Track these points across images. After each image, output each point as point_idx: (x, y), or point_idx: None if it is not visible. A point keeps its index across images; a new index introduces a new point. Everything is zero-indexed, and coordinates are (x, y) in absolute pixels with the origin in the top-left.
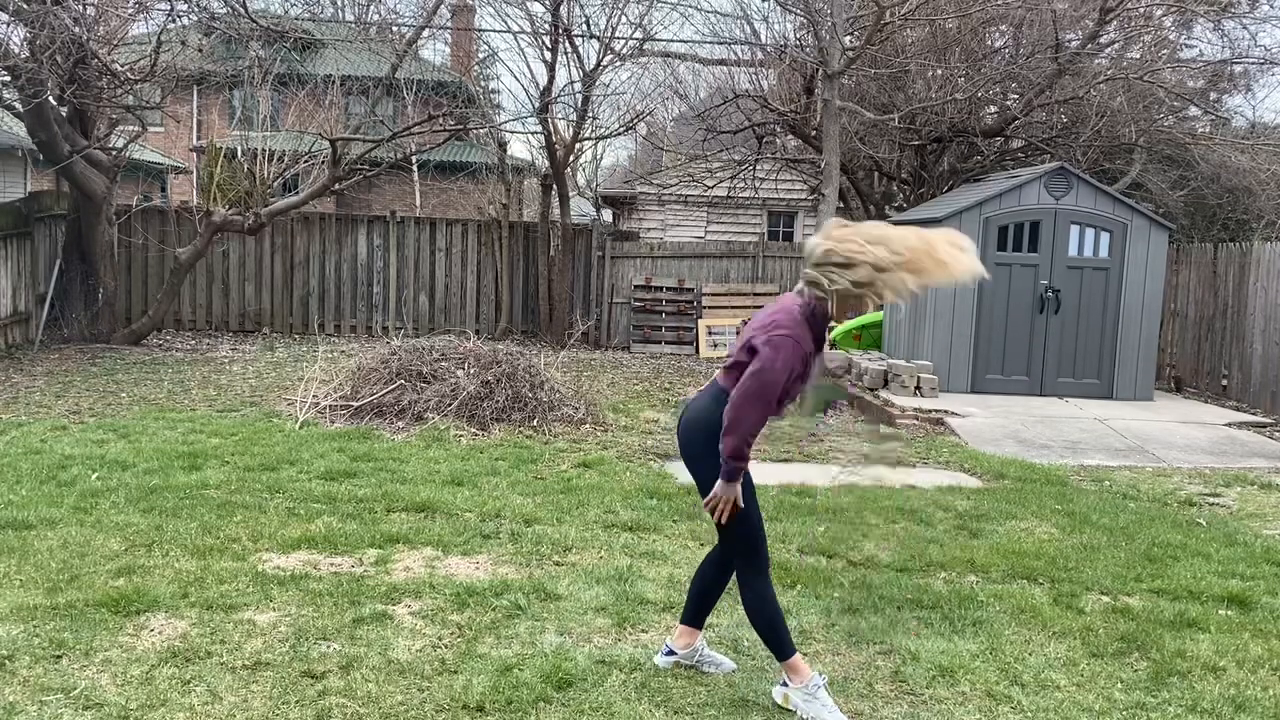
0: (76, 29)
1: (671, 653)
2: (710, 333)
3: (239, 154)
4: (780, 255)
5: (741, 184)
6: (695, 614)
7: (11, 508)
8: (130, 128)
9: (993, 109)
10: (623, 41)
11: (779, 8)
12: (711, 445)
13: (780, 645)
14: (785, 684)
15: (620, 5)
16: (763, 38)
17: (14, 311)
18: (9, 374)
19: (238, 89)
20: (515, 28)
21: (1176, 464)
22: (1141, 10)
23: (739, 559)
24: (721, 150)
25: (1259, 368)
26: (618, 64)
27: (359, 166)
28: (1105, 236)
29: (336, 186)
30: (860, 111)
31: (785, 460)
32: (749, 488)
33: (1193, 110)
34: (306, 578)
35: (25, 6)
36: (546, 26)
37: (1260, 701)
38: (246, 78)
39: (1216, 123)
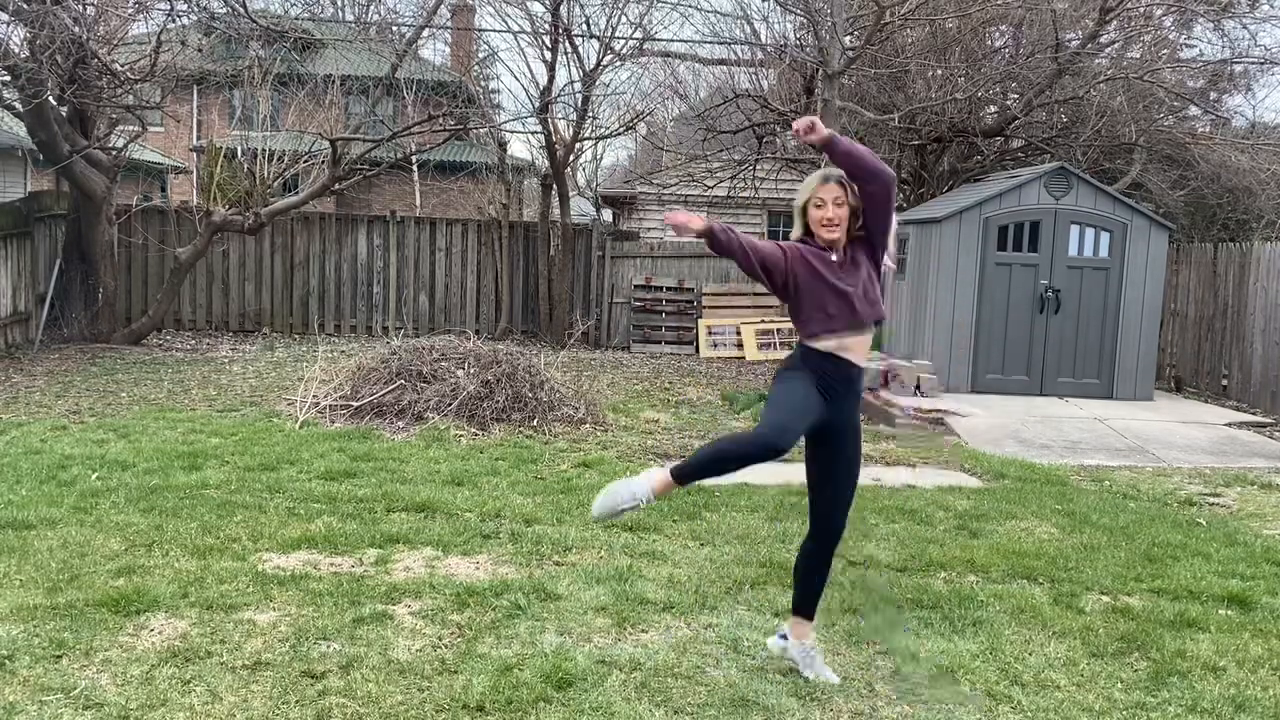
0: (76, 29)
1: (785, 636)
2: (710, 333)
3: (239, 154)
4: None
5: (741, 184)
6: (801, 602)
7: (11, 508)
8: (130, 128)
9: (993, 109)
10: (623, 41)
11: (779, 8)
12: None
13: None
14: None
15: (620, 5)
16: (763, 38)
17: (14, 311)
18: (9, 374)
19: (238, 89)
20: (515, 28)
21: (1176, 464)
22: (1141, 10)
23: (759, 425)
24: (721, 150)
25: (1259, 368)
26: (618, 64)
27: (359, 166)
28: (1105, 236)
29: (336, 186)
30: (860, 111)
31: (786, 460)
32: (801, 388)
33: (1193, 110)
34: (306, 578)
35: (25, 6)
36: (546, 26)
37: (1260, 701)
38: (246, 78)
39: (1216, 123)
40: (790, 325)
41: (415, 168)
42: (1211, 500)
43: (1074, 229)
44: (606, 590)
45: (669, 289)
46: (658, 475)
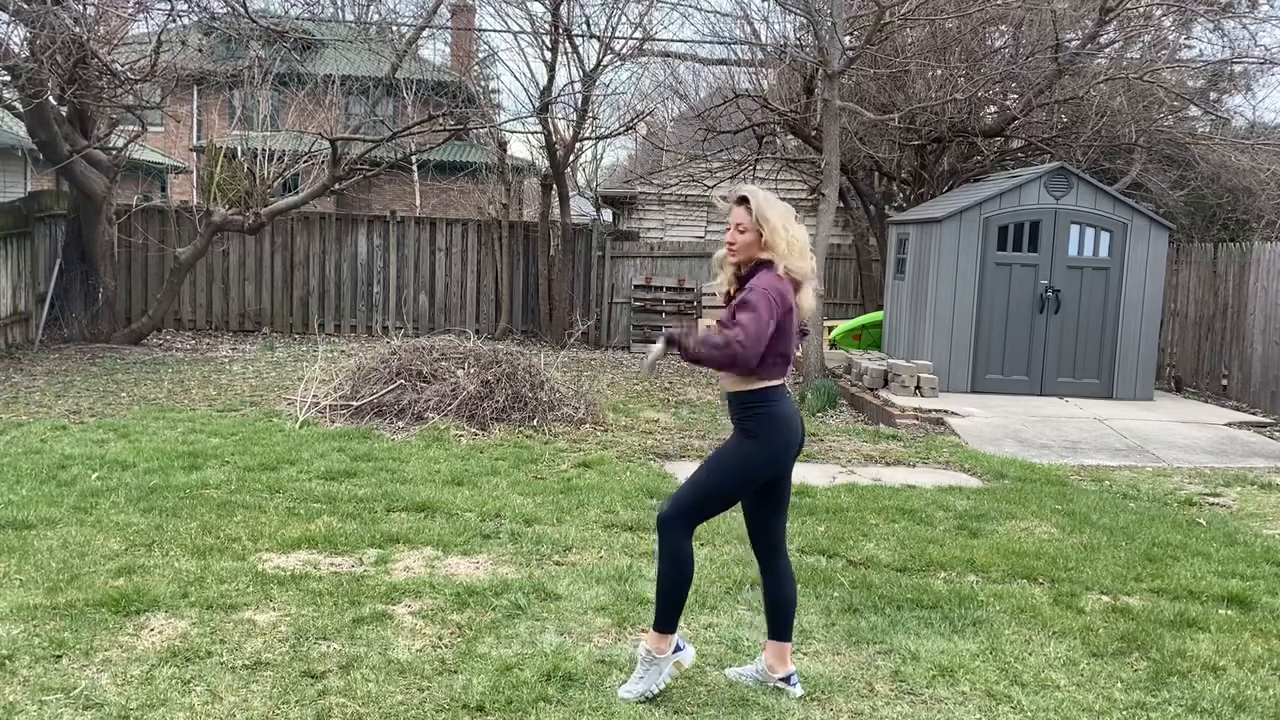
0: (77, 29)
1: (793, 681)
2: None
3: (239, 154)
4: None
5: (742, 184)
6: (779, 626)
7: (11, 508)
8: (130, 127)
9: (993, 109)
10: (623, 41)
11: (779, 8)
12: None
13: (669, 614)
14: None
15: (620, 5)
16: (763, 38)
17: (14, 311)
18: (9, 374)
19: (238, 89)
20: (515, 28)
21: (1176, 464)
22: (1141, 10)
23: (679, 508)
24: (721, 150)
25: (1259, 368)
26: (618, 64)
27: (359, 166)
28: (1105, 236)
29: (336, 186)
30: (860, 111)
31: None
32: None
33: (1193, 110)
34: (306, 578)
35: (25, 6)
36: (546, 26)
37: (1260, 701)
38: (246, 78)
39: (1216, 123)
40: None
41: (415, 168)
42: (1211, 500)
43: (1074, 229)
44: (606, 590)
45: (669, 289)
46: (652, 641)
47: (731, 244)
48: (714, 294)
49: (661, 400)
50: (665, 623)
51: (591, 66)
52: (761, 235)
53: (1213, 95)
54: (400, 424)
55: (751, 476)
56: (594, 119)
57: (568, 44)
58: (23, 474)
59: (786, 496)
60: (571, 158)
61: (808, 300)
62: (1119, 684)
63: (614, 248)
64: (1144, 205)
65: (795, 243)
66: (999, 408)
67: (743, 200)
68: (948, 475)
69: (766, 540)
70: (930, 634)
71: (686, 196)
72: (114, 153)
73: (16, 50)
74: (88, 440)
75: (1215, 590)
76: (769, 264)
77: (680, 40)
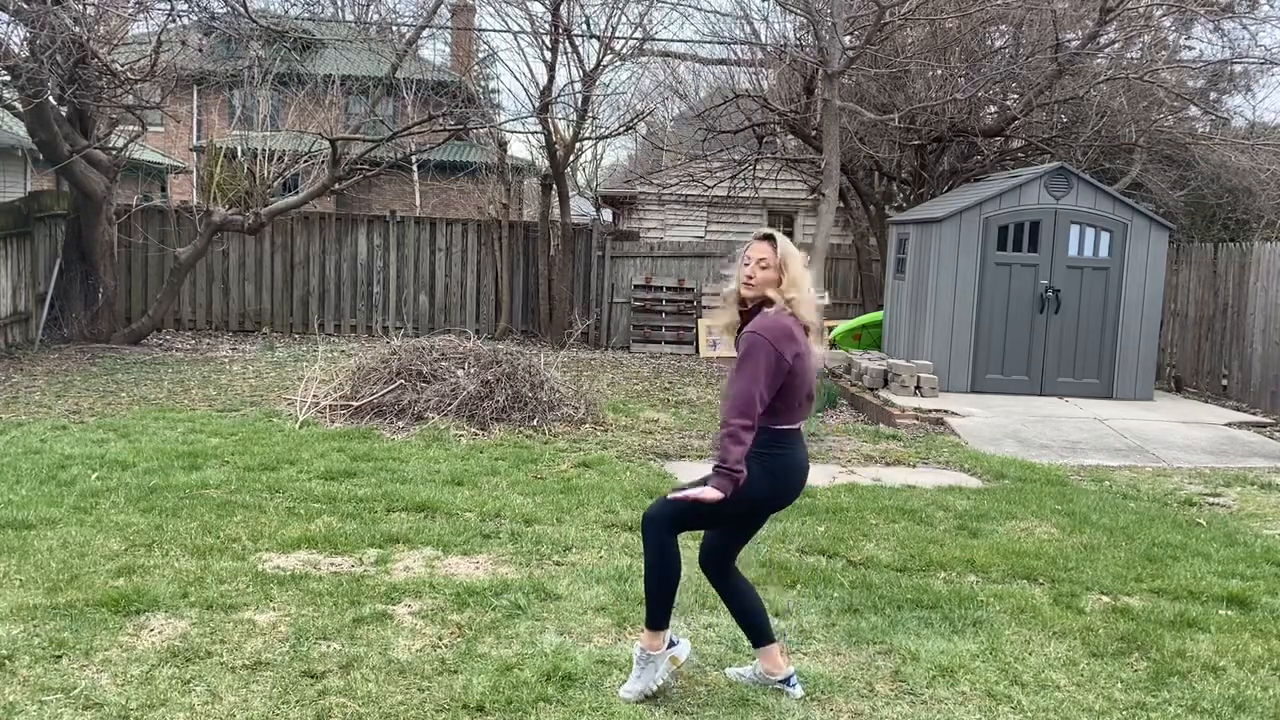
0: (77, 29)
1: (793, 683)
2: (710, 333)
3: (239, 154)
4: None
5: (741, 184)
6: (756, 633)
7: (11, 508)
8: (130, 127)
9: (993, 109)
10: (623, 41)
11: (779, 8)
12: None
13: (659, 611)
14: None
15: (620, 5)
16: (763, 38)
17: (14, 311)
18: (9, 374)
19: (238, 89)
20: (515, 28)
21: (1176, 464)
22: (1141, 10)
23: (662, 510)
24: (721, 150)
25: (1259, 368)
26: (618, 64)
27: (359, 166)
28: (1105, 236)
29: (336, 186)
30: (860, 111)
31: None
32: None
33: (1193, 110)
34: (306, 578)
35: (25, 6)
36: (546, 26)
37: (1260, 701)
38: (246, 78)
39: (1216, 123)
40: None
41: (415, 168)
42: (1211, 500)
43: (1074, 229)
44: (606, 590)
45: (669, 289)
46: (646, 640)
47: (750, 279)
48: (716, 294)
49: (661, 400)
50: (655, 620)
51: (591, 66)
52: (781, 279)
53: (1213, 95)
54: (400, 424)
55: (733, 508)
56: (594, 119)
57: (568, 44)
58: (23, 474)
59: (757, 530)
60: (571, 158)
61: (817, 349)
62: (1119, 684)
63: (614, 248)
64: (1144, 205)
65: (810, 297)
66: (999, 408)
67: (767, 238)
68: (948, 475)
69: (719, 564)
70: (930, 634)
71: (686, 196)
72: (114, 153)
73: (16, 50)
74: (88, 440)
75: (1215, 590)
76: (773, 302)
77: (680, 40)
